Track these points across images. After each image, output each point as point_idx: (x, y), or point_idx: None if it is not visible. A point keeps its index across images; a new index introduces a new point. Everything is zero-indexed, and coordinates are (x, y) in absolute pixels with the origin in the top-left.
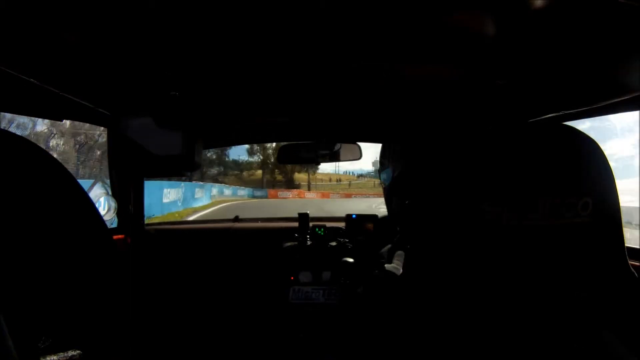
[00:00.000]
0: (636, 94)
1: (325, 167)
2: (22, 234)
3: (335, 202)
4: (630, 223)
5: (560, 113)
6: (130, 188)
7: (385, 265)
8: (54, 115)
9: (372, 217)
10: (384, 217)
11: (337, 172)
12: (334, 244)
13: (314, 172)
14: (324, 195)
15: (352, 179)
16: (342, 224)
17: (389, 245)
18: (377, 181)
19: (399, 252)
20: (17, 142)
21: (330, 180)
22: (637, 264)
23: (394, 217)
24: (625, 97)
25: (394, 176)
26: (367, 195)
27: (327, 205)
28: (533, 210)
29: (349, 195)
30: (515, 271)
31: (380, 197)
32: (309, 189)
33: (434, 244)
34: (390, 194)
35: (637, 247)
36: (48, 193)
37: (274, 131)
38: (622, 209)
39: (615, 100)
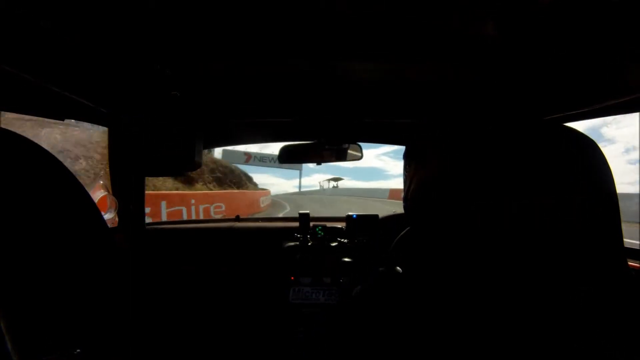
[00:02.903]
0: (636, 96)
1: None
2: (23, 233)
3: None
4: None
5: (561, 114)
6: (131, 187)
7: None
8: (55, 114)
9: (373, 218)
10: (385, 217)
11: None
12: (334, 244)
13: None
14: None
15: None
16: (342, 224)
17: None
18: None
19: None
20: (17, 140)
21: None
22: (637, 265)
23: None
24: (625, 99)
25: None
26: None
27: None
28: (528, 210)
29: None
30: (510, 272)
31: None
32: None
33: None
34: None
35: (637, 248)
36: (48, 192)
37: (274, 131)
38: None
39: (615, 102)
